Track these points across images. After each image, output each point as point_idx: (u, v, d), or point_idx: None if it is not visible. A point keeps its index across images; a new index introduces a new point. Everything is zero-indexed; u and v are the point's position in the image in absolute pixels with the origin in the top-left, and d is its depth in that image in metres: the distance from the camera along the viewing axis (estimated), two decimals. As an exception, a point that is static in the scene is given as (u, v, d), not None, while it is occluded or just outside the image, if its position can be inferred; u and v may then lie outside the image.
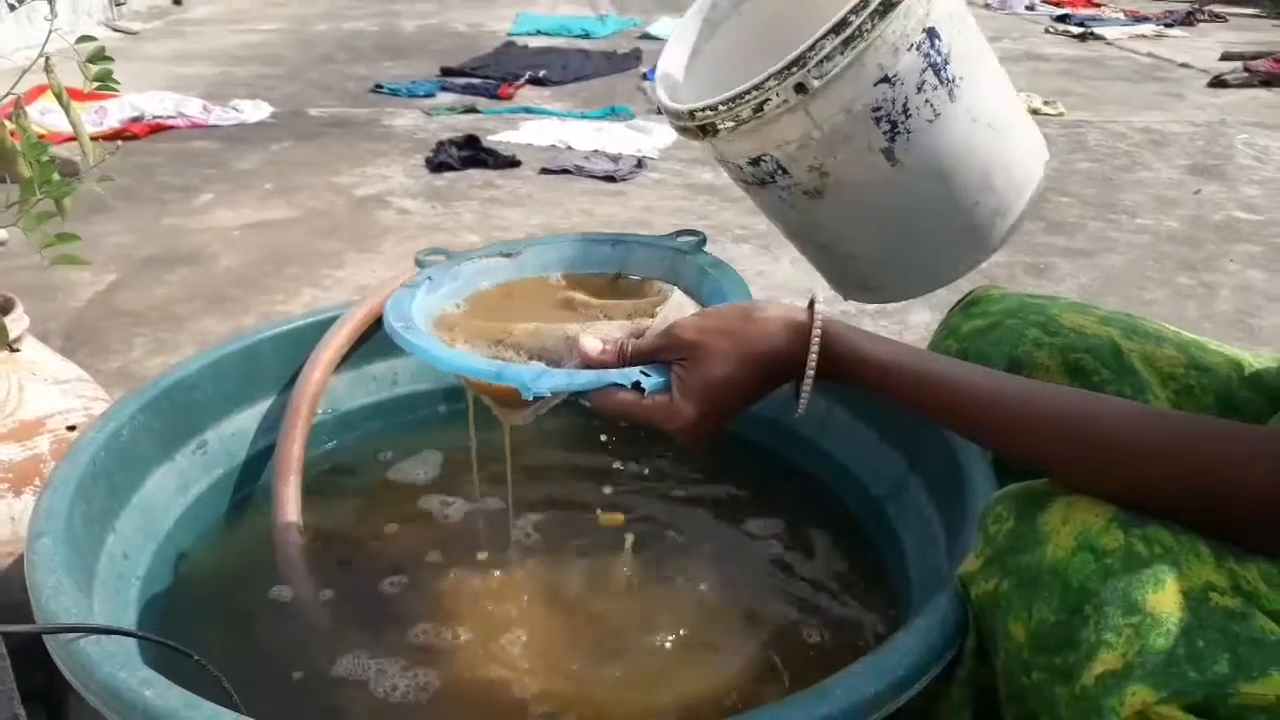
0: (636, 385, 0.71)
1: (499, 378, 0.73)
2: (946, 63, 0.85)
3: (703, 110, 0.87)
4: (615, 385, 0.71)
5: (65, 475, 0.83)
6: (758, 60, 0.90)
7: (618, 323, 0.82)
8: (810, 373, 0.70)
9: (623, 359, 0.75)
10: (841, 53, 0.81)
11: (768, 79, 0.83)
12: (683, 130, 0.91)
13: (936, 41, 0.84)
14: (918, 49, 0.83)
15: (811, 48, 0.81)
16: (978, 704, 0.68)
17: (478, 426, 0.97)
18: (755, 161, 0.91)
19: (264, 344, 1.11)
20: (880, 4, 0.81)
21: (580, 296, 0.92)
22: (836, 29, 0.81)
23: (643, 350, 0.75)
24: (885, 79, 0.83)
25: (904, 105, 0.85)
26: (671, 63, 1.00)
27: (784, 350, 0.70)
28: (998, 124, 0.92)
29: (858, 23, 0.81)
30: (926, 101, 0.86)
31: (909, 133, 0.86)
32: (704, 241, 0.96)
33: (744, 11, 1.02)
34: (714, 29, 1.02)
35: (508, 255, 0.97)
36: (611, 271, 0.98)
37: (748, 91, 0.84)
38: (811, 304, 0.71)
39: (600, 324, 0.82)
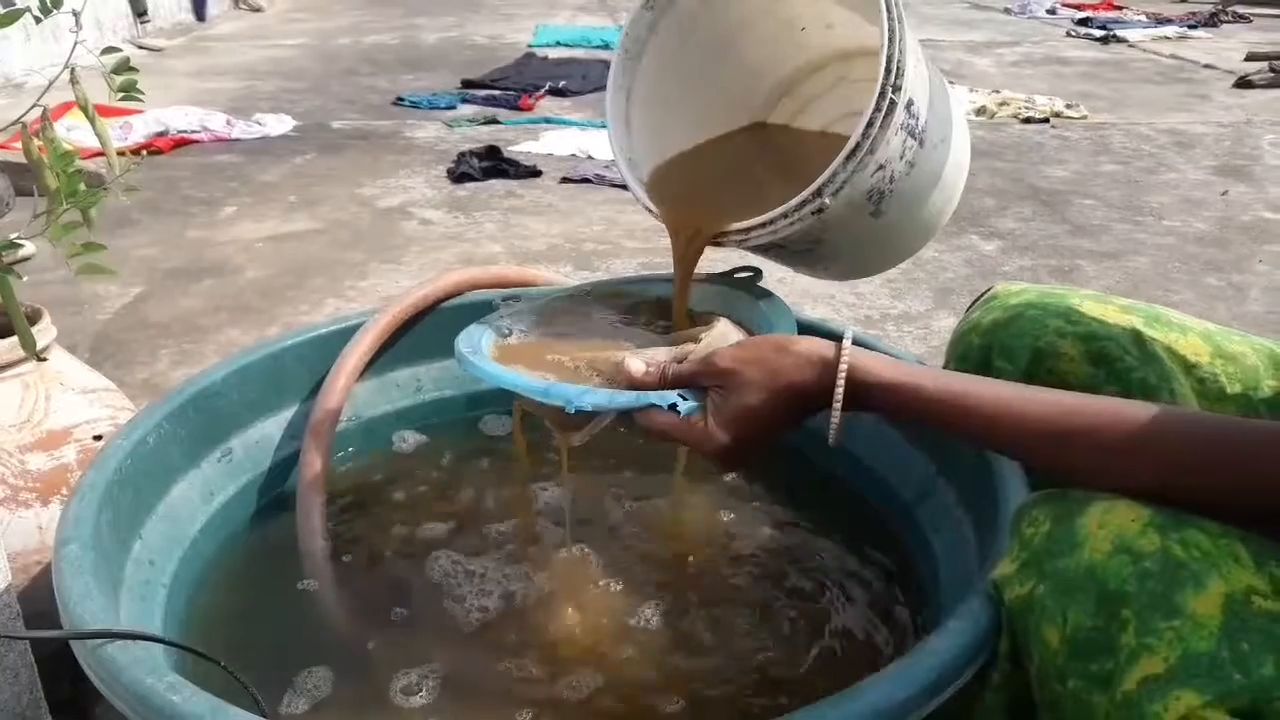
0: (673, 407, 0.74)
1: (546, 394, 0.77)
2: (918, 118, 0.85)
3: (716, 237, 0.89)
4: (653, 406, 0.75)
5: (92, 483, 0.83)
6: (696, 74, 0.95)
7: (664, 348, 0.85)
8: (837, 406, 0.72)
9: (664, 382, 0.77)
10: (844, 169, 0.81)
11: (782, 214, 0.84)
12: None
13: (913, 107, 0.83)
14: (903, 127, 0.82)
15: (830, 178, 0.81)
16: (1012, 709, 0.67)
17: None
18: (754, 247, 0.92)
19: (288, 352, 1.11)
20: (884, 116, 0.79)
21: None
22: (850, 156, 0.80)
23: (683, 375, 0.77)
24: (880, 167, 0.83)
25: (890, 177, 0.85)
26: (618, 134, 0.97)
27: (813, 383, 0.72)
28: (948, 133, 0.92)
29: (869, 143, 0.80)
30: (905, 160, 0.86)
31: (891, 192, 0.87)
32: (759, 275, 0.98)
33: (660, 31, 0.98)
34: (636, 64, 0.98)
35: (573, 297, 1.01)
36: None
37: (760, 225, 0.86)
38: (840, 339, 0.73)
39: (648, 350, 0.84)
